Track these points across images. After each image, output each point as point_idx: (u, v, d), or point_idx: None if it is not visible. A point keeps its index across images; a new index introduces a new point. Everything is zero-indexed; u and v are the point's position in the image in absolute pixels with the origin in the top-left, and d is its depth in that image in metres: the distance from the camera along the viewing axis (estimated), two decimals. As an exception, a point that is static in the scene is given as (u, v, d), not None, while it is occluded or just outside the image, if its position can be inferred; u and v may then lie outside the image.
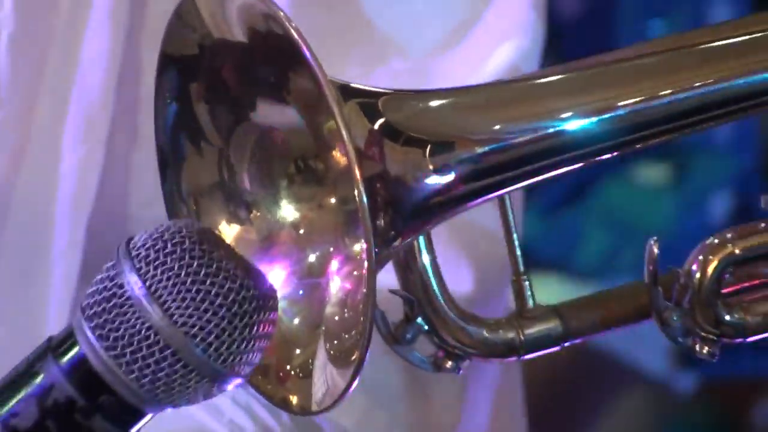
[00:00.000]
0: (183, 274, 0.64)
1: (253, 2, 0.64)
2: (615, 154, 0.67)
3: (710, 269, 0.69)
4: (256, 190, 0.69)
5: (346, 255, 0.67)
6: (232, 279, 0.64)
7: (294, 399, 0.66)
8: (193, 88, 0.68)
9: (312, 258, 0.68)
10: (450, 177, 0.65)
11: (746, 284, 0.71)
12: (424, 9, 0.99)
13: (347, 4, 0.97)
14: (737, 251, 0.69)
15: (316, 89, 0.62)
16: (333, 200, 0.67)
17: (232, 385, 0.67)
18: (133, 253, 0.65)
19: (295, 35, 0.61)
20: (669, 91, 0.68)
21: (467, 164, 0.65)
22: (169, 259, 0.64)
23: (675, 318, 0.69)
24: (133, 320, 0.64)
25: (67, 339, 0.66)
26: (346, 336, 0.65)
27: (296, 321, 0.67)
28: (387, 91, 0.66)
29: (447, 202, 0.65)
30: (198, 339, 0.64)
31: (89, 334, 0.65)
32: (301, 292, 0.68)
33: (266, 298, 0.65)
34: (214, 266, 0.64)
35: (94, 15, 0.95)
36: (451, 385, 0.95)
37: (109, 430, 0.66)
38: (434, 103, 0.67)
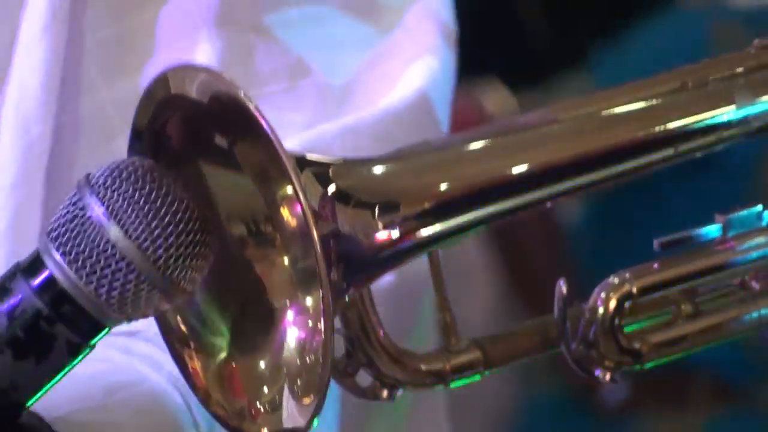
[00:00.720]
0: (137, 196, 0.75)
1: (212, 80, 0.73)
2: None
3: (611, 305, 0.78)
4: None
5: (300, 307, 0.75)
6: (179, 201, 0.75)
7: (265, 430, 0.75)
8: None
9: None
10: (396, 233, 0.73)
11: (642, 318, 0.81)
12: (337, 32, 1.08)
13: (260, 29, 1.05)
14: (634, 290, 0.79)
15: (272, 160, 0.70)
16: (285, 259, 0.75)
17: (177, 299, 0.77)
18: (92, 182, 0.76)
19: (256, 113, 0.70)
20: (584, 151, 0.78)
21: (411, 221, 0.74)
22: (124, 184, 0.75)
23: (581, 349, 0.79)
24: (93, 236, 0.75)
25: (35, 261, 0.77)
26: (306, 376, 0.73)
27: (262, 365, 0.76)
28: (336, 161, 0.75)
29: (393, 256, 0.75)
30: (149, 251, 0.74)
31: (54, 252, 0.76)
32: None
33: (207, 221, 0.76)
34: (164, 190, 0.75)
35: (27, 28, 1.02)
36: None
37: (70, 337, 0.77)
38: (378, 170, 0.77)
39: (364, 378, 0.79)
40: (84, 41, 1.04)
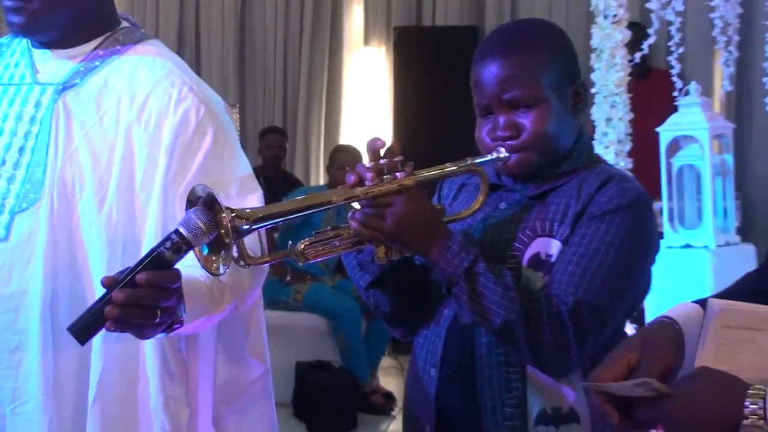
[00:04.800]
0: (202, 214, 2.23)
1: (202, 187, 2.27)
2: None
3: (301, 246, 2.46)
4: (217, 245, 2.31)
5: (226, 246, 2.27)
6: (210, 217, 2.23)
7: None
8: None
9: (219, 250, 2.29)
10: (249, 226, 2.25)
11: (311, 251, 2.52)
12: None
13: None
14: (302, 246, 2.47)
15: (219, 208, 2.21)
16: (224, 233, 2.24)
17: (210, 239, 2.27)
18: (190, 210, 2.20)
19: (217, 197, 2.22)
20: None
21: (253, 222, 2.28)
22: (198, 211, 2.23)
23: (298, 252, 2.49)
24: (193, 223, 2.22)
25: (176, 230, 2.23)
26: (226, 259, 2.31)
27: (215, 258, 2.34)
28: (243, 209, 2.27)
29: (251, 230, 2.28)
30: (206, 226, 2.24)
31: (182, 228, 2.21)
32: (212, 252, 2.31)
33: (217, 221, 2.26)
34: (207, 213, 2.24)
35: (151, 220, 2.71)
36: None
37: (182, 246, 2.23)
38: (247, 210, 2.26)
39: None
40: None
